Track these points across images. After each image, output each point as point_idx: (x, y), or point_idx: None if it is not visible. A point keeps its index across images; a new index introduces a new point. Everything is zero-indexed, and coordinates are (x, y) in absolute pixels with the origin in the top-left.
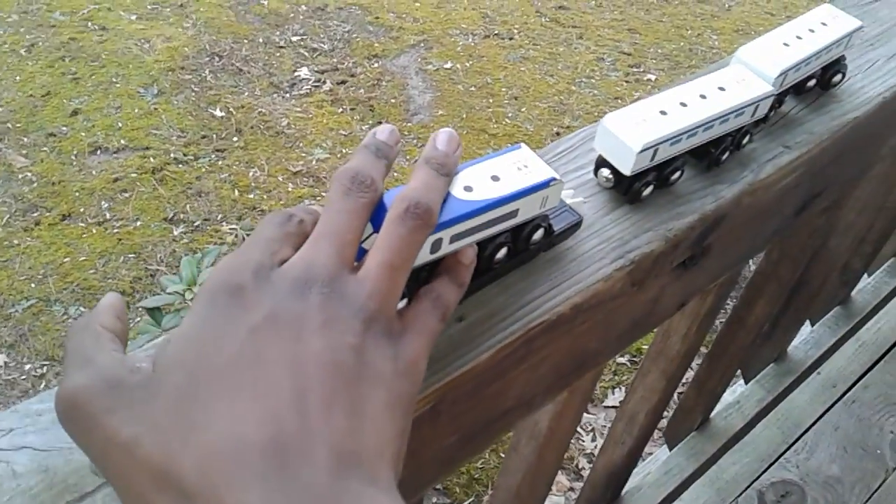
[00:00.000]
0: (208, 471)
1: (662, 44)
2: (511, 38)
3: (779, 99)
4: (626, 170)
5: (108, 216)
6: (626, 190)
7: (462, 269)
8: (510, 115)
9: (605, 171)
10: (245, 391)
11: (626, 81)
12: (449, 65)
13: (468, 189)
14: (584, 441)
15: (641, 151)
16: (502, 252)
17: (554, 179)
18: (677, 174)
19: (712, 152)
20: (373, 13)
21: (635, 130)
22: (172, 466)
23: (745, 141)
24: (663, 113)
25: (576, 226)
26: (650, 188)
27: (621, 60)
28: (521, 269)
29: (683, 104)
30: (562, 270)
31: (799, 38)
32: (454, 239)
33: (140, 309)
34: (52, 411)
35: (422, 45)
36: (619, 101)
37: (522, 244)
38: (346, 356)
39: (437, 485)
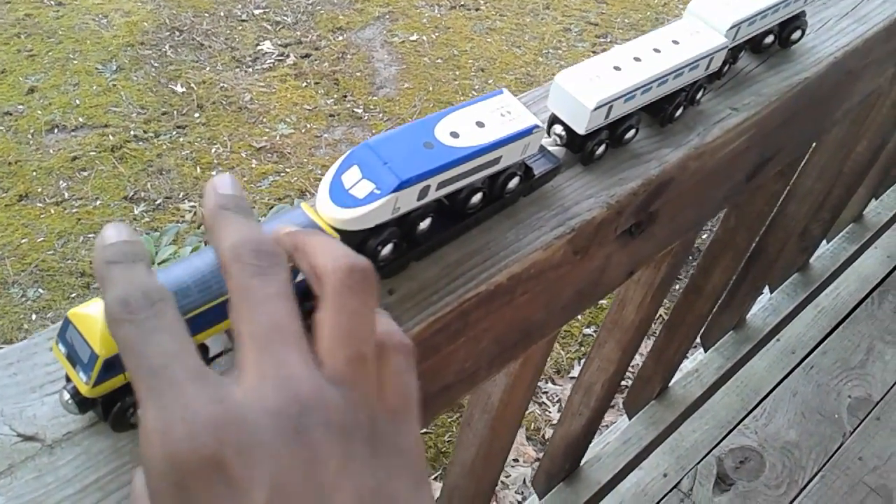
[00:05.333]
0: None
1: (629, 13)
2: (478, 10)
3: (733, 54)
4: (581, 128)
5: (66, 196)
6: (579, 149)
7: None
8: (477, 87)
9: (558, 128)
10: None
11: (593, 52)
12: (415, 37)
13: (455, 135)
14: (550, 412)
15: (596, 109)
16: (477, 197)
17: (537, 127)
18: (632, 132)
19: (666, 108)
20: None
21: (589, 87)
22: None
23: (699, 95)
24: (617, 69)
25: (555, 170)
26: (603, 147)
27: (588, 31)
28: (455, 240)
29: (637, 59)
30: (498, 239)
31: None
32: (441, 186)
33: (98, 291)
34: None
35: (387, 17)
36: None
37: (498, 191)
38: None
39: None
